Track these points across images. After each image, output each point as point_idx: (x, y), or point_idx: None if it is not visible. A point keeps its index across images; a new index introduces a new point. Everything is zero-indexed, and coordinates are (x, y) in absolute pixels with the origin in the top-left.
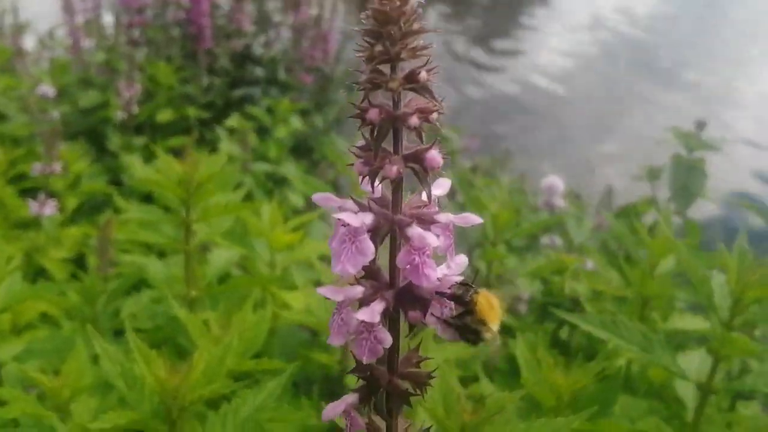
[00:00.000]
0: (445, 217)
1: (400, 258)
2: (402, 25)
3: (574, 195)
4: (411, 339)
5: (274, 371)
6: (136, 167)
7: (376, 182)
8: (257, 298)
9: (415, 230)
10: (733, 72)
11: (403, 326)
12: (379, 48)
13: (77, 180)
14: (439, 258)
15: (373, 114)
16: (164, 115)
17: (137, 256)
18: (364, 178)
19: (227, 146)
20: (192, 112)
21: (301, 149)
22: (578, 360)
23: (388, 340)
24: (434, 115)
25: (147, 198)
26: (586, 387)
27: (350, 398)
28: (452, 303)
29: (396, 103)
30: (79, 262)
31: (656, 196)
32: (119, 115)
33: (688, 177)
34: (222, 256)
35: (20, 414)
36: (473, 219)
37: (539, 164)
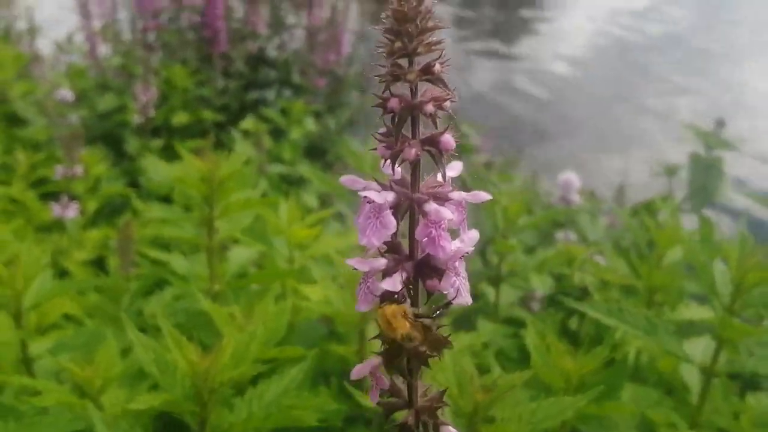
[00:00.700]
0: (458, 194)
1: (419, 231)
2: (418, 23)
3: (589, 192)
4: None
5: (294, 361)
6: (159, 166)
7: (396, 164)
8: (277, 292)
9: (432, 206)
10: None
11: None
12: (398, 44)
13: (97, 183)
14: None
15: (393, 103)
16: (180, 118)
17: (160, 253)
18: (385, 161)
19: (242, 148)
20: (207, 114)
21: (315, 151)
22: (586, 348)
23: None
24: (447, 103)
25: (164, 200)
26: (594, 372)
27: (375, 360)
28: (465, 273)
29: (413, 93)
30: (99, 264)
31: (672, 193)
32: (136, 118)
33: (706, 176)
34: (241, 254)
35: (55, 403)
36: (483, 196)
37: (552, 164)
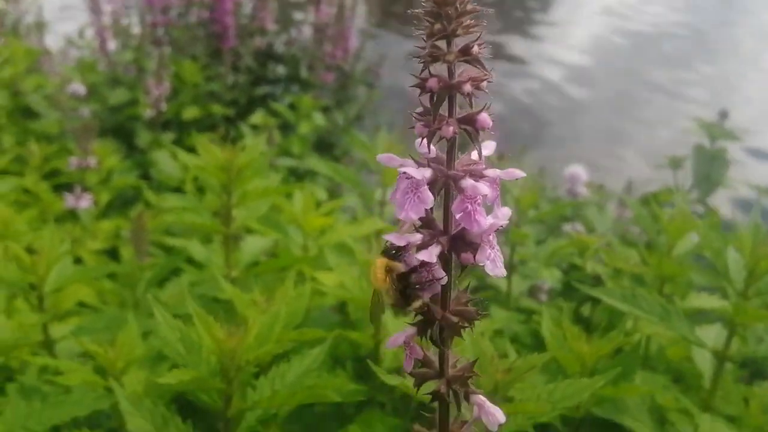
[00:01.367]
0: (492, 172)
1: (455, 206)
2: (457, 6)
3: (596, 185)
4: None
5: (312, 344)
6: (179, 154)
7: (433, 142)
8: (294, 279)
9: (468, 181)
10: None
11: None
12: (438, 26)
13: (109, 175)
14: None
15: (432, 83)
16: (190, 113)
17: (178, 240)
18: (423, 138)
19: (252, 142)
20: (217, 109)
21: (323, 146)
22: (600, 334)
23: (444, 277)
24: (484, 83)
25: (175, 192)
26: (608, 356)
27: (410, 330)
28: (498, 247)
29: (451, 73)
30: (112, 254)
31: (677, 185)
32: (148, 112)
33: (710, 166)
34: (255, 244)
35: (80, 382)
36: (517, 173)
37: (558, 157)
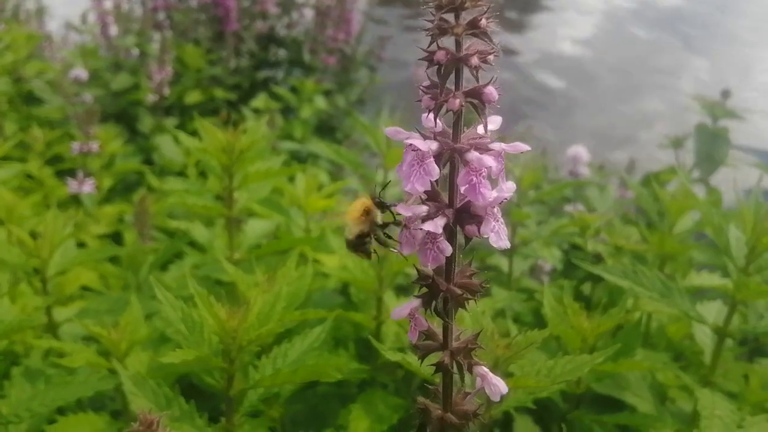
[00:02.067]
0: (498, 145)
1: (461, 178)
2: None
3: (598, 165)
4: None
5: (314, 324)
6: (181, 136)
7: (439, 115)
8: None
9: (474, 154)
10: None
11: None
12: None
13: (111, 160)
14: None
15: (440, 55)
16: (193, 97)
17: (181, 222)
18: (429, 111)
19: (253, 125)
20: (219, 93)
21: (324, 129)
22: (601, 311)
23: (448, 249)
24: (491, 57)
25: (177, 176)
26: (609, 332)
27: (415, 302)
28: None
29: (459, 46)
30: (115, 239)
31: (680, 164)
32: (150, 97)
33: (712, 145)
34: (257, 227)
35: (84, 363)
36: (522, 147)
37: (560, 137)
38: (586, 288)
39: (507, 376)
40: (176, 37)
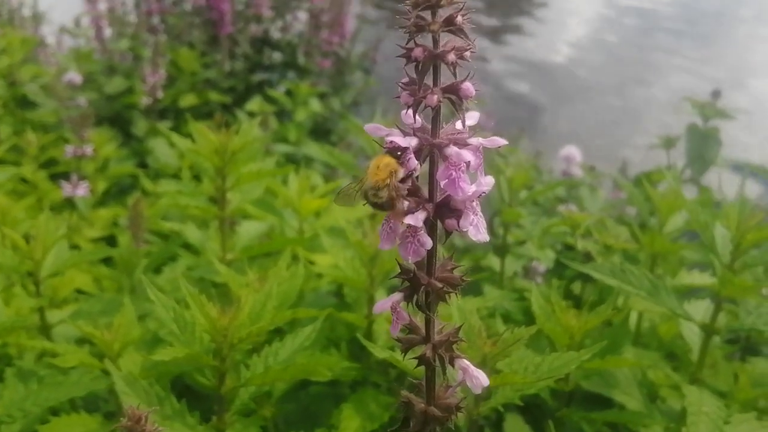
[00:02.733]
0: (476, 140)
1: (440, 173)
2: None
3: (590, 166)
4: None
5: (306, 324)
6: (174, 137)
7: (418, 111)
8: (289, 261)
9: (452, 149)
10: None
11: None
12: None
13: (105, 164)
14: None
15: (417, 52)
16: (187, 100)
17: (174, 224)
18: (408, 108)
19: (245, 126)
20: (214, 96)
21: (319, 132)
22: (589, 309)
23: (429, 243)
24: (468, 53)
25: (172, 179)
26: (597, 330)
27: (396, 296)
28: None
29: (436, 43)
30: (109, 242)
31: (671, 165)
32: (144, 100)
33: (703, 145)
34: (251, 228)
35: (77, 364)
36: (499, 141)
37: (555, 141)
38: (577, 287)
39: (495, 373)
40: (170, 41)
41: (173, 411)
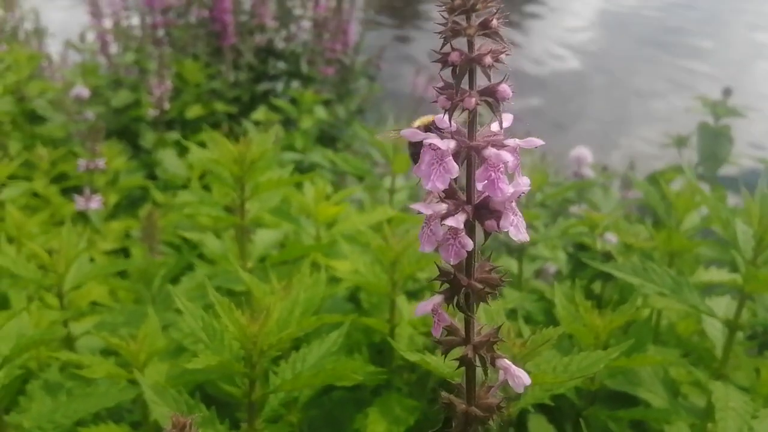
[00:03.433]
0: (512, 141)
1: (479, 175)
2: None
3: (601, 167)
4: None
5: (329, 330)
6: (192, 149)
7: (455, 115)
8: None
9: (491, 150)
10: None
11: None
12: (458, 1)
13: (116, 176)
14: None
15: (454, 56)
16: (193, 111)
17: (194, 234)
18: (446, 112)
19: (262, 136)
20: (220, 107)
21: (325, 139)
22: (612, 308)
23: (470, 244)
24: (503, 56)
25: (182, 190)
26: (621, 329)
27: (437, 299)
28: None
29: (471, 47)
30: (122, 254)
31: (683, 163)
32: (151, 112)
33: (715, 143)
34: (267, 236)
35: (105, 375)
36: (536, 142)
37: (563, 140)
38: (597, 287)
39: None
40: (175, 53)
41: (203, 418)
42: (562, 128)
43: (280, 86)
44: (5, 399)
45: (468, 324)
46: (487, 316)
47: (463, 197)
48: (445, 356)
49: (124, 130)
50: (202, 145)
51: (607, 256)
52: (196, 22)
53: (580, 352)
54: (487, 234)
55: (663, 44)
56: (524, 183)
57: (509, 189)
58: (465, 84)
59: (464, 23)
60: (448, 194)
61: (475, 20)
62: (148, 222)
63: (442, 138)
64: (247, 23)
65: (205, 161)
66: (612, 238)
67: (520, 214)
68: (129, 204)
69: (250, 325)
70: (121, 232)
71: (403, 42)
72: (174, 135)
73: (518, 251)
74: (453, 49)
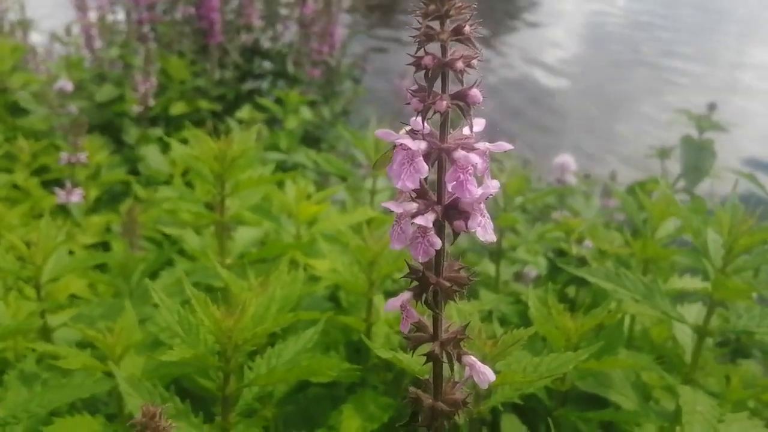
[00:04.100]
0: (482, 145)
1: (448, 176)
2: None
3: (582, 174)
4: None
5: (306, 327)
6: (173, 145)
7: (427, 116)
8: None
9: (460, 153)
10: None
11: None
12: (432, 7)
13: (98, 171)
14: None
15: (427, 60)
16: (178, 108)
17: (174, 229)
18: (418, 114)
19: (243, 134)
20: (204, 104)
21: (310, 140)
22: (585, 312)
23: (438, 243)
24: (475, 61)
25: (164, 186)
26: (592, 332)
27: (406, 295)
28: (488, 215)
29: (444, 52)
30: (102, 248)
31: (664, 176)
32: (135, 108)
33: (698, 156)
34: (247, 234)
35: (80, 366)
36: (505, 146)
37: (545, 152)
38: (571, 291)
39: (495, 373)
40: (161, 49)
41: (178, 411)
42: (546, 132)
43: (265, 85)
44: None
45: (436, 321)
46: (460, 316)
47: (434, 197)
48: (413, 352)
49: (107, 124)
50: (185, 141)
51: (582, 261)
52: (183, 19)
53: (550, 354)
54: (455, 234)
55: (649, 56)
56: (493, 186)
57: (478, 191)
58: (438, 87)
59: (438, 28)
60: (419, 194)
61: (449, 25)
62: (129, 217)
63: (413, 139)
64: (233, 22)
65: (186, 157)
66: (590, 244)
67: (488, 216)
68: (110, 199)
69: (225, 320)
70: (101, 227)
71: (386, 49)
72: (157, 131)
73: (497, 254)
74: (426, 53)
